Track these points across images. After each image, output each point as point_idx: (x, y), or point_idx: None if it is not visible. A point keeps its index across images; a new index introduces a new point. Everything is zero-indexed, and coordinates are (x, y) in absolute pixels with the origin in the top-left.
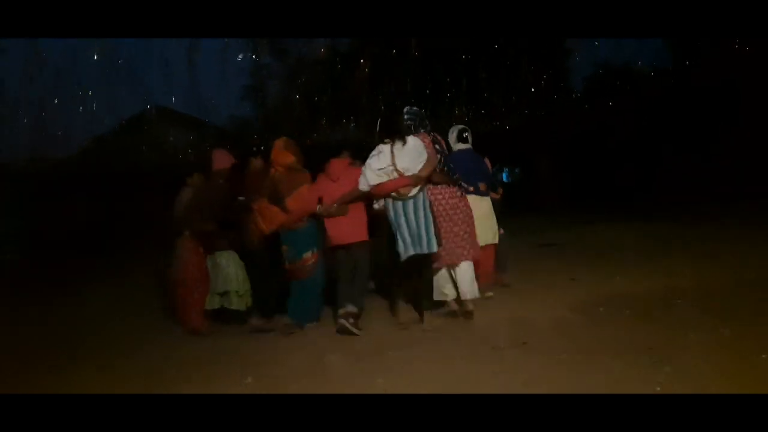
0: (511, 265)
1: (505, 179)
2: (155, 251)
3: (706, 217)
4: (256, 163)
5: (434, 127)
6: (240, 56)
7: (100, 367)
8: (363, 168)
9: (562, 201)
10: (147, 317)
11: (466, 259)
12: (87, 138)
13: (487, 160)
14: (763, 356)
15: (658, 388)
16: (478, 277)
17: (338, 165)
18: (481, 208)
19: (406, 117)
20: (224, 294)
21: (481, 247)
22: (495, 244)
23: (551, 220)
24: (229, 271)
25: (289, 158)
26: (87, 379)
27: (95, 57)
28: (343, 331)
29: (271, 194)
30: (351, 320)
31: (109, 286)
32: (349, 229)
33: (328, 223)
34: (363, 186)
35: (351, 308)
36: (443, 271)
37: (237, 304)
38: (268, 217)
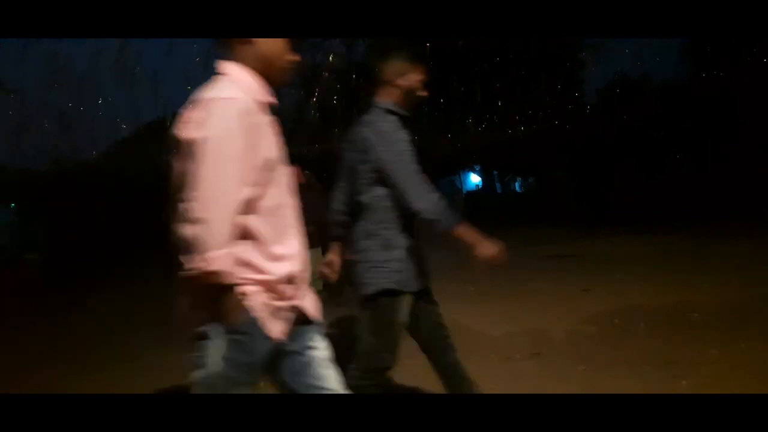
0: (524, 276)
1: (518, 189)
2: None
3: (723, 231)
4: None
5: (450, 137)
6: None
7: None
8: None
9: (577, 212)
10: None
11: None
12: (108, 142)
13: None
14: None
15: None
16: None
17: None
18: None
19: None
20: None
21: None
22: None
23: (566, 231)
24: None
25: None
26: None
27: (114, 63)
28: None
29: None
30: None
31: (130, 288)
32: None
33: None
34: None
35: None
36: None
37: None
38: None
